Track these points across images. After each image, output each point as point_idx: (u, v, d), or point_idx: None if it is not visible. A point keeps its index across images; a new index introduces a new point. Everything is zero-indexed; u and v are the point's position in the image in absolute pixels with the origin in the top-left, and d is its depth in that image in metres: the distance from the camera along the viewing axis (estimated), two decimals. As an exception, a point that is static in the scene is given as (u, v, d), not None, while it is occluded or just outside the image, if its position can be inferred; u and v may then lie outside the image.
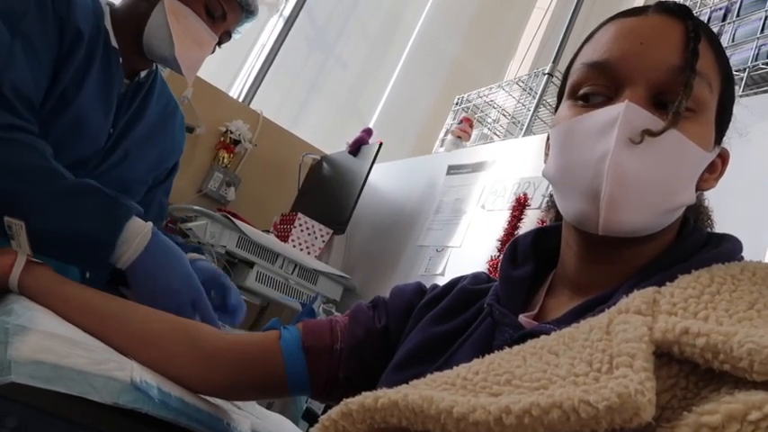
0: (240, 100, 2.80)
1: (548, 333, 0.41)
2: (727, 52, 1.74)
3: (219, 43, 1.08)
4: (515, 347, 0.40)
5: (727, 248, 0.48)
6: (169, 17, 0.97)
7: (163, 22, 0.97)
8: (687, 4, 2.08)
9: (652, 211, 0.49)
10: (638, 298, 0.38)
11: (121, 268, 0.80)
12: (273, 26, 2.93)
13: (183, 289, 0.81)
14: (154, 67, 1.10)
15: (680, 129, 0.48)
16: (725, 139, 0.56)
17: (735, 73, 1.70)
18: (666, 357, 0.34)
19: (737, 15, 1.83)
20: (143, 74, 1.07)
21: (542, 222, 0.66)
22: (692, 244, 0.50)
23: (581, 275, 0.54)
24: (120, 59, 1.01)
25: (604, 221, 0.48)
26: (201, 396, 0.63)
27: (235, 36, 1.12)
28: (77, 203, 0.79)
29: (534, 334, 0.47)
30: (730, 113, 0.55)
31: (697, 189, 0.52)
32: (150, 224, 0.82)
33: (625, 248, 0.51)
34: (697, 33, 0.49)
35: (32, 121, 0.86)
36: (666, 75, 0.49)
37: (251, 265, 1.98)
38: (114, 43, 1.00)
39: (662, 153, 0.48)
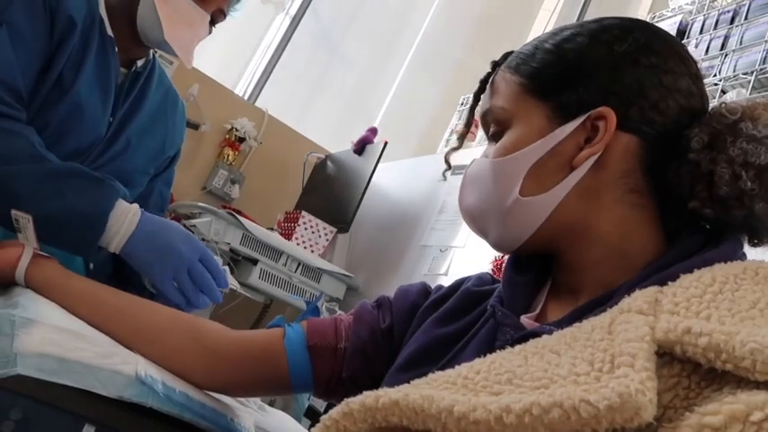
0: (246, 98, 2.81)
1: (549, 334, 0.41)
2: (735, 56, 1.73)
3: (213, 22, 1.07)
4: (517, 347, 0.40)
5: (728, 248, 0.48)
6: None
7: (151, 4, 0.97)
8: (695, 7, 2.07)
9: (498, 222, 0.55)
10: (639, 297, 0.38)
11: (115, 252, 0.81)
12: (279, 25, 2.94)
13: (186, 248, 0.82)
14: (151, 56, 1.10)
15: (493, 151, 0.56)
16: None
17: (742, 76, 1.70)
18: (668, 357, 0.34)
19: (746, 18, 1.82)
20: (140, 63, 1.07)
21: None
22: (693, 243, 0.49)
23: (571, 279, 0.55)
24: (117, 48, 1.01)
25: (491, 245, 0.58)
26: (206, 392, 0.64)
27: (233, 14, 1.10)
28: (65, 184, 0.79)
29: (535, 334, 0.47)
30: (570, 81, 0.52)
31: (574, 167, 0.51)
32: (136, 205, 0.83)
33: (568, 254, 0.54)
34: (485, 80, 0.60)
35: (19, 109, 0.86)
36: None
37: (254, 262, 1.99)
38: (110, 32, 1.00)
39: (476, 180, 0.57)
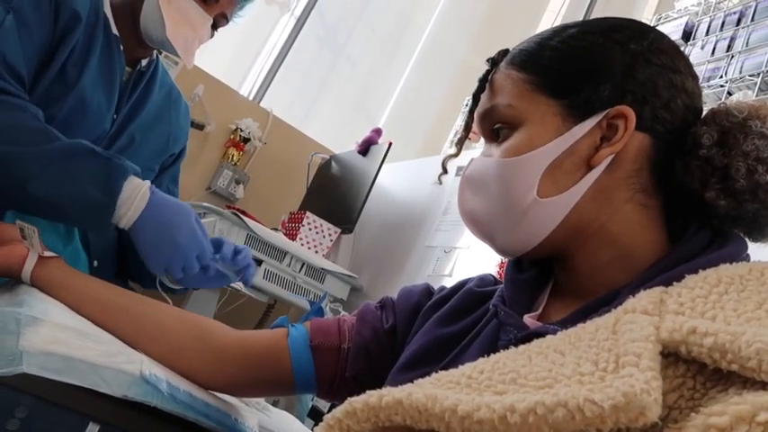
0: (250, 98, 2.81)
1: (552, 333, 0.41)
2: (741, 57, 1.72)
3: (215, 26, 1.09)
4: (521, 347, 0.39)
5: (733, 248, 0.48)
6: None
7: (156, 3, 0.99)
8: (701, 9, 2.06)
9: (511, 226, 0.53)
10: (644, 298, 0.38)
11: (124, 228, 0.83)
12: (284, 25, 2.94)
13: (187, 243, 0.84)
14: (154, 56, 1.12)
15: (501, 151, 0.53)
16: None
17: (748, 77, 1.69)
18: (674, 357, 0.34)
19: (752, 20, 1.81)
20: (144, 62, 1.09)
21: None
22: (697, 243, 0.49)
23: (576, 281, 0.54)
24: (121, 47, 1.03)
25: (497, 251, 0.56)
26: (210, 392, 0.64)
27: (235, 20, 1.12)
28: (72, 166, 0.81)
29: (539, 334, 0.47)
30: (585, 78, 0.52)
31: (592, 166, 0.50)
32: (148, 182, 0.84)
33: (576, 256, 0.53)
34: (484, 79, 0.58)
35: (22, 91, 0.87)
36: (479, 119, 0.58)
37: (259, 262, 1.99)
38: (115, 30, 1.01)
39: (481, 181, 0.55)
